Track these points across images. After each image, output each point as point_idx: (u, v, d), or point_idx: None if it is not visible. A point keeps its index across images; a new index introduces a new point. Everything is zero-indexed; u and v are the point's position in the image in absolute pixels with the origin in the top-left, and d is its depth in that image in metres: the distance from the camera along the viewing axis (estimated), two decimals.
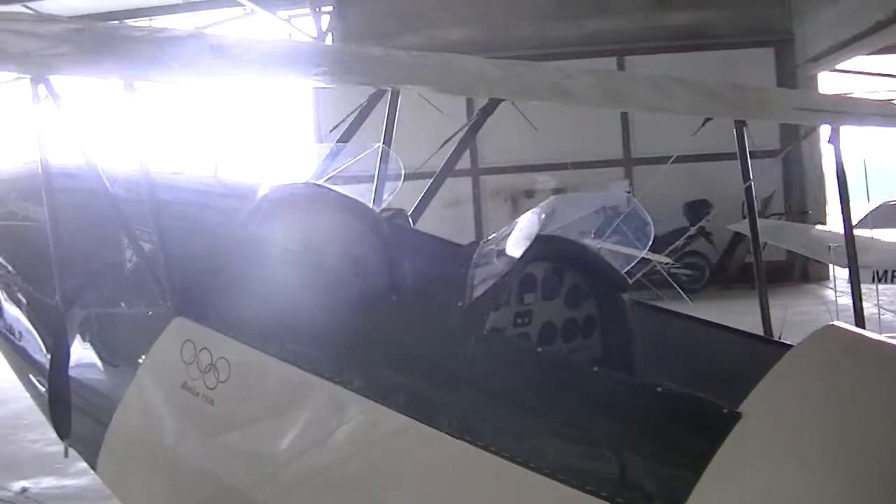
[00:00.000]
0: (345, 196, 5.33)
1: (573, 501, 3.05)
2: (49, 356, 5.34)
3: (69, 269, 5.17)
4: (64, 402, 5.27)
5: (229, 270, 4.81)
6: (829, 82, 25.10)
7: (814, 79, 24.13)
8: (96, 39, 4.05)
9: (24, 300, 5.79)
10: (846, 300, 19.46)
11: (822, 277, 22.27)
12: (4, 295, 5.91)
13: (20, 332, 5.79)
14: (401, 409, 3.64)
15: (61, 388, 5.26)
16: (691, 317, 4.34)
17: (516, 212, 24.40)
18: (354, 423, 3.88)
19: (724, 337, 4.73)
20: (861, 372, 2.94)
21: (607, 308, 4.31)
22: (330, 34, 25.88)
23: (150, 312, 4.79)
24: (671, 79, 5.98)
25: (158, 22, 26.53)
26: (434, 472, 3.60)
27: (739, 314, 17.00)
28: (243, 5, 24.13)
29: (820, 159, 24.02)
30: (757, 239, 6.17)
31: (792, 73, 24.09)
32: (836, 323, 3.31)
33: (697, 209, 21.31)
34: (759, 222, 16.75)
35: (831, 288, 20.79)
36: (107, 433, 5.07)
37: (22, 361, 5.80)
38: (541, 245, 4.13)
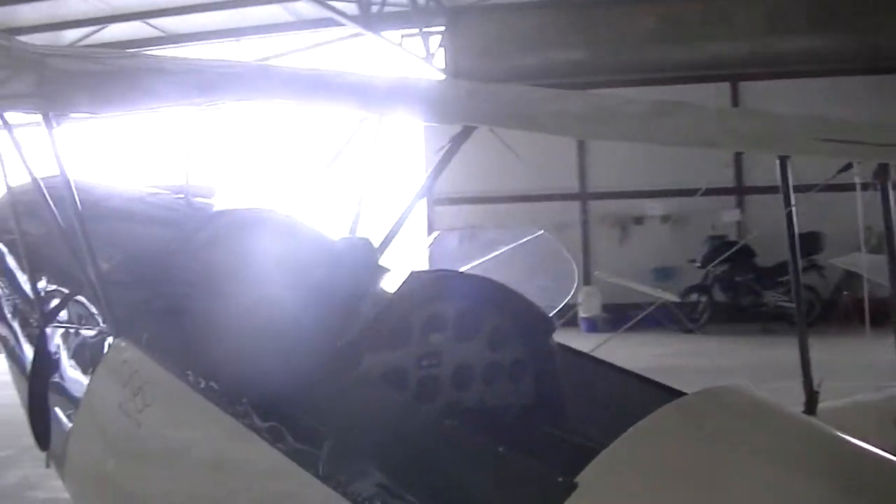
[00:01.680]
0: (297, 223, 5.38)
1: None
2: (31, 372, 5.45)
3: (48, 285, 5.39)
4: (43, 415, 5.32)
5: (165, 292, 4.83)
6: None
7: None
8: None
9: (15, 315, 5.90)
10: None
11: None
12: (9, 309, 6.00)
13: (17, 346, 5.87)
14: (279, 446, 3.65)
15: (39, 401, 5.32)
16: (611, 364, 4.12)
17: (625, 238, 24.18)
18: (242, 459, 3.91)
19: (638, 386, 4.65)
20: (712, 449, 2.91)
21: (535, 351, 4.13)
22: (442, 52, 25.87)
23: (97, 333, 4.91)
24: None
25: (264, 41, 26.96)
26: None
27: (842, 353, 16.64)
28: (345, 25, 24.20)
29: None
30: (798, 276, 5.99)
31: None
32: (717, 386, 3.23)
33: (808, 242, 20.87)
34: (864, 257, 16.24)
35: None
36: (67, 448, 5.18)
37: (18, 374, 5.87)
38: (451, 283, 4.10)
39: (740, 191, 22.20)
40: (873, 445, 4.99)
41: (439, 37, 26.04)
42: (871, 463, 2.89)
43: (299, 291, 4.25)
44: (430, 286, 4.03)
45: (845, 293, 21.79)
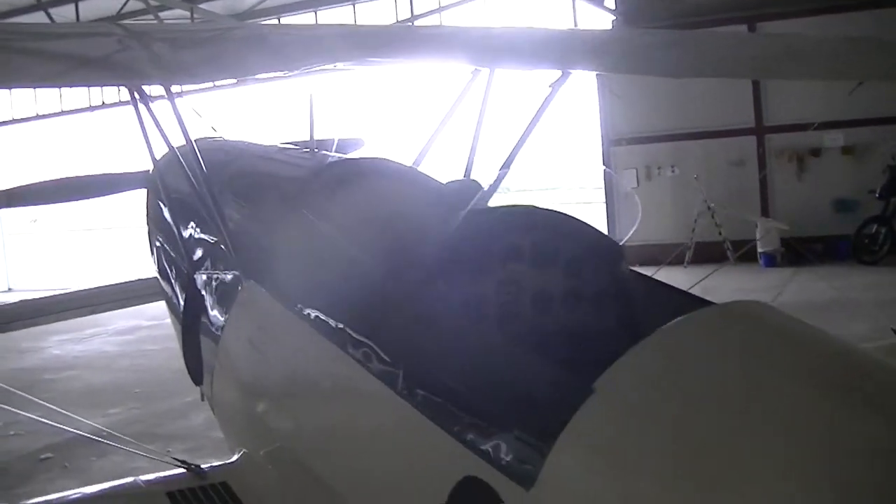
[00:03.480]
0: (405, 168, 5.65)
1: (452, 448, 3.30)
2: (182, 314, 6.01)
3: (196, 238, 5.96)
4: (195, 353, 5.86)
5: (289, 239, 5.19)
6: None
7: None
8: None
9: (170, 265, 6.51)
10: None
11: None
12: (166, 261, 6.62)
13: (173, 295, 6.48)
14: (378, 372, 3.95)
15: (191, 340, 5.87)
16: (684, 291, 4.21)
17: (802, 172, 23.93)
18: (347, 385, 4.26)
19: None
20: (730, 359, 2.98)
21: (607, 278, 4.27)
22: None
23: (232, 277, 5.38)
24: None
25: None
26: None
27: None
28: None
29: None
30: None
31: None
32: (740, 301, 3.32)
33: None
34: None
35: None
36: (212, 382, 5.72)
37: (175, 319, 6.48)
38: (525, 216, 4.28)
39: None
40: None
41: None
42: (885, 380, 2.95)
43: (408, 231, 4.53)
44: (506, 219, 4.28)
45: None
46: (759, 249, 23.02)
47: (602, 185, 26.70)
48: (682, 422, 2.80)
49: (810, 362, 2.97)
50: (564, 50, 4.10)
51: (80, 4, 27.11)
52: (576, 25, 26.66)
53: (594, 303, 3.98)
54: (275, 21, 28.88)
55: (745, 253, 22.51)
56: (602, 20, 26.13)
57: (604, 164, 26.17)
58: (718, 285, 18.72)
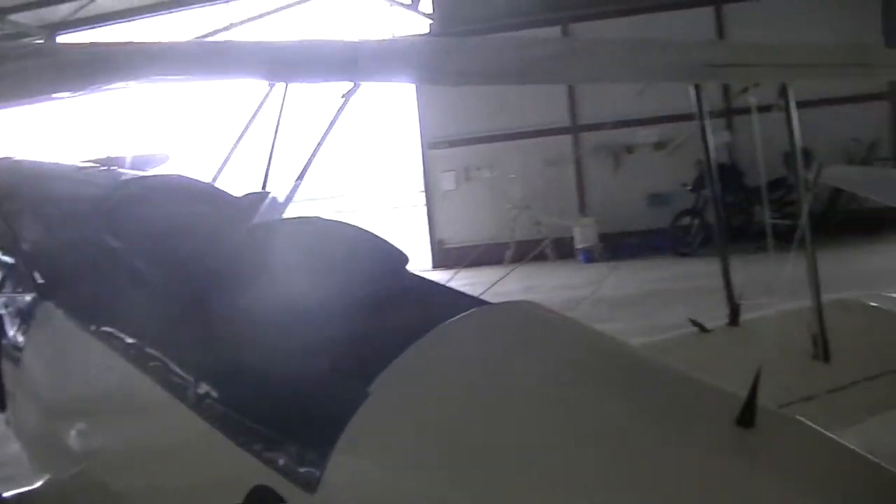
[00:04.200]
0: (200, 184, 5.71)
1: (242, 459, 3.36)
2: None
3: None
4: None
5: (83, 258, 5.15)
6: None
7: None
8: None
9: None
10: None
11: None
12: None
13: None
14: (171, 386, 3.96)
15: None
16: (467, 294, 4.38)
17: (618, 168, 24.49)
18: (142, 400, 4.25)
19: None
20: (500, 359, 3.12)
21: (392, 285, 4.39)
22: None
23: (28, 299, 5.30)
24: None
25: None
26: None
27: (853, 263, 17.01)
28: None
29: None
30: (718, 198, 6.55)
31: None
32: (513, 301, 3.50)
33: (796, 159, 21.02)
34: (850, 169, 16.42)
35: None
36: (13, 407, 5.67)
37: None
38: (303, 227, 4.46)
39: (729, 113, 22.31)
40: (792, 353, 5.43)
41: None
42: (656, 373, 3.11)
43: (199, 246, 4.55)
44: (290, 230, 4.40)
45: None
46: (578, 246, 23.50)
47: (423, 187, 26.83)
48: (452, 419, 2.91)
49: (575, 358, 3.11)
50: (354, 61, 4.13)
51: None
52: (392, 30, 26.82)
53: (376, 309, 4.05)
54: (90, 31, 28.36)
55: (564, 250, 22.94)
56: (418, 25, 26.30)
57: (423, 167, 26.33)
58: (539, 283, 19.04)
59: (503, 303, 3.53)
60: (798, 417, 2.82)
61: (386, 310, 4.01)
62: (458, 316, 3.30)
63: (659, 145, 23.67)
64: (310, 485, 3.04)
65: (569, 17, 24.09)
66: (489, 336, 3.25)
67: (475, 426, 2.85)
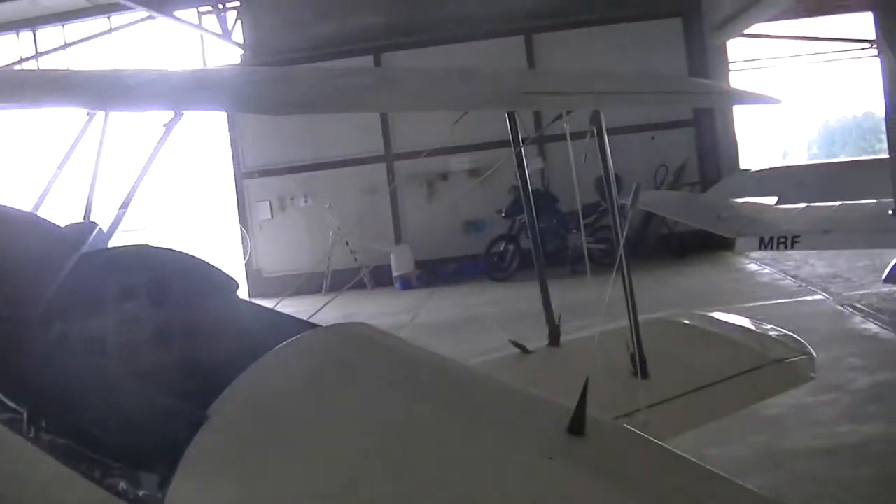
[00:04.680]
0: (20, 213, 5.51)
1: (87, 489, 3.33)
2: None
3: None
4: None
5: None
6: (738, 49, 25.68)
7: (722, 47, 24.55)
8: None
9: None
10: (756, 267, 20.00)
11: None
12: None
13: None
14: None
15: None
16: (298, 318, 4.49)
17: (432, 195, 24.69)
18: None
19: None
20: (333, 379, 3.24)
21: (224, 310, 4.47)
22: (239, 27, 25.80)
23: None
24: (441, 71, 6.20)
25: (69, 29, 26.64)
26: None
27: (660, 285, 17.54)
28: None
29: (733, 127, 24.58)
30: (534, 220, 6.61)
31: (700, 42, 24.38)
32: (345, 323, 3.63)
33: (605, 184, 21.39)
34: (660, 194, 16.85)
35: (747, 257, 21.40)
36: None
37: None
38: (136, 256, 4.47)
39: (542, 140, 22.70)
40: (612, 371, 5.57)
41: (235, 12, 25.94)
42: (488, 388, 3.24)
43: (24, 276, 4.44)
44: (119, 258, 4.39)
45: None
46: (395, 273, 23.61)
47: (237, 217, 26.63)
48: (289, 438, 2.96)
49: (408, 375, 3.22)
50: (176, 90, 4.11)
51: None
52: (204, 60, 26.58)
53: (209, 334, 4.06)
54: None
55: (382, 278, 23.02)
56: (231, 54, 26.13)
57: (237, 196, 26.12)
58: (358, 311, 19.05)
59: (336, 325, 3.59)
60: (624, 425, 2.92)
61: (220, 335, 4.00)
62: (294, 338, 3.33)
63: (473, 172, 23.95)
64: None
65: (381, 46, 24.27)
66: (325, 357, 3.30)
67: (313, 445, 2.90)
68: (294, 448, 2.93)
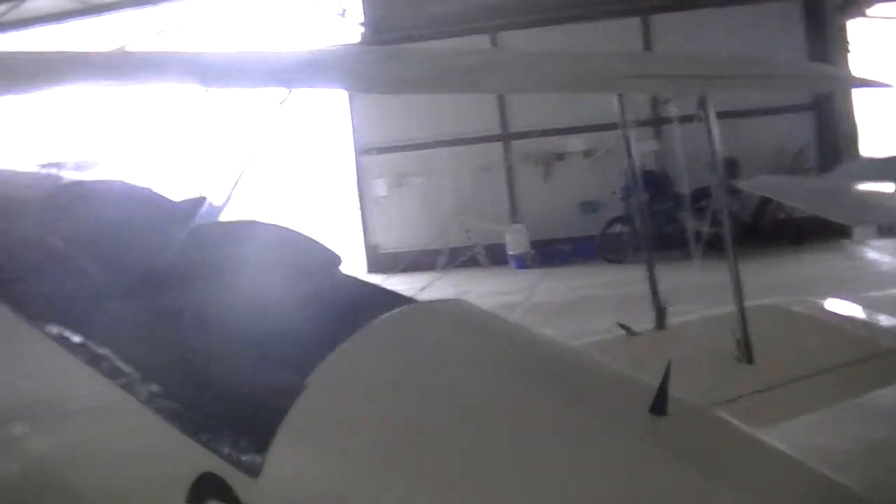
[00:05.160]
0: (139, 188, 5.81)
1: (191, 448, 3.53)
2: None
3: None
4: None
5: (29, 259, 5.26)
6: (861, 31, 25.07)
7: (843, 28, 23.98)
8: None
9: None
10: (876, 255, 19.63)
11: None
12: None
13: None
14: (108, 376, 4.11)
15: None
16: (397, 293, 4.56)
17: (549, 175, 24.69)
18: (77, 393, 4.41)
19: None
20: (428, 354, 3.35)
21: (327, 284, 4.58)
22: (359, 4, 26.00)
23: None
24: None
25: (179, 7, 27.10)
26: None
27: (775, 272, 17.32)
28: None
29: (854, 113, 24.07)
30: (642, 203, 6.60)
31: (820, 25, 23.86)
32: (443, 299, 3.75)
33: (725, 168, 21.08)
34: (777, 179, 16.62)
35: (866, 245, 21.04)
36: None
37: None
38: (241, 230, 4.66)
39: (657, 122, 22.54)
40: (716, 355, 5.59)
41: None
42: (579, 366, 3.32)
43: (139, 247, 4.72)
44: (228, 232, 4.61)
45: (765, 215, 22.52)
46: (510, 252, 23.69)
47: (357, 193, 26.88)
48: (384, 408, 3.12)
49: (503, 352, 3.33)
50: (288, 69, 4.26)
51: None
52: (323, 37, 26.84)
53: (312, 307, 4.19)
54: (21, 32, 28.20)
55: (497, 256, 23.12)
56: (350, 31, 26.35)
57: (357, 173, 26.41)
58: (471, 289, 19.16)
59: (435, 300, 3.76)
60: (709, 408, 2.99)
61: (321, 307, 4.15)
62: (392, 312, 3.47)
63: (588, 153, 23.88)
64: (253, 470, 3.21)
65: (498, 25, 24.29)
66: (421, 331, 3.43)
67: (406, 416, 3.05)
68: (385, 420, 3.07)
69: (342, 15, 26.12)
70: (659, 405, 2.78)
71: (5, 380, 5.15)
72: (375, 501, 2.93)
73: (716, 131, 5.67)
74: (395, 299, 4.26)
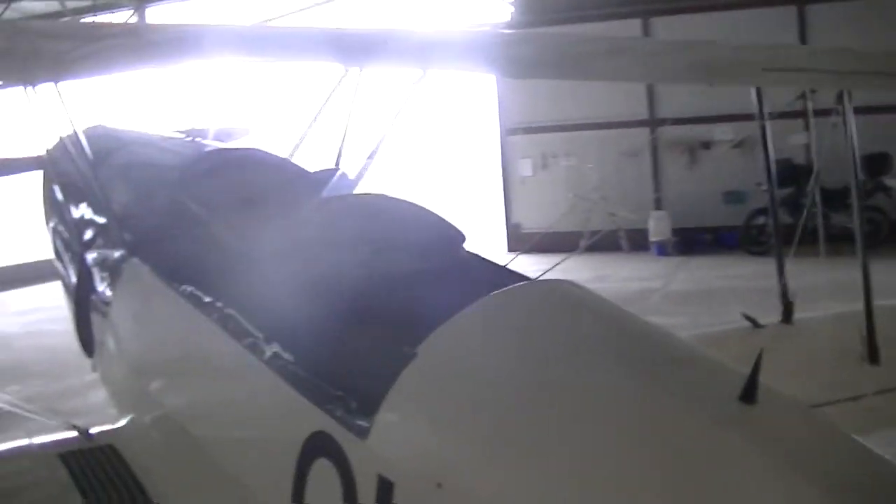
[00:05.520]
0: (276, 158, 6.05)
1: (306, 408, 3.71)
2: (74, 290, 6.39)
3: (86, 219, 6.33)
4: (86, 327, 6.27)
5: (168, 221, 5.60)
6: None
7: None
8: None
9: (66, 246, 6.86)
10: None
11: None
12: (60, 242, 6.98)
13: (66, 273, 6.84)
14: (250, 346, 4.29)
15: (82, 315, 6.29)
16: (516, 272, 4.61)
17: (694, 162, 24.53)
18: (222, 358, 4.61)
19: None
20: (539, 333, 3.41)
21: (448, 260, 4.63)
22: None
23: (119, 255, 5.73)
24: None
25: None
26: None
27: None
28: None
29: None
30: (774, 197, 6.93)
31: None
32: (554, 279, 3.79)
33: (876, 163, 20.82)
34: None
35: None
36: (100, 354, 6.19)
37: (68, 297, 6.83)
38: (373, 203, 4.76)
39: (807, 114, 22.13)
40: (841, 353, 5.55)
41: None
42: (674, 352, 3.37)
43: (273, 215, 4.88)
44: (355, 204, 4.76)
45: None
46: (651, 239, 23.64)
47: (500, 172, 27.03)
48: (490, 381, 3.23)
49: (603, 335, 3.43)
50: (424, 50, 4.39)
51: None
52: (474, 16, 27.04)
53: (430, 280, 4.31)
54: (179, 3, 28.98)
55: (638, 241, 23.08)
56: (501, 10, 26.51)
57: (501, 153, 26.56)
58: (610, 273, 19.21)
59: (545, 280, 3.93)
60: (799, 400, 3.05)
61: (439, 281, 4.30)
62: (503, 289, 3.59)
63: (735, 142, 23.63)
64: (361, 433, 3.37)
65: (649, 10, 24.16)
66: (530, 309, 3.54)
67: (511, 390, 3.16)
68: (492, 391, 3.19)
69: None
70: (749, 393, 2.82)
71: (143, 335, 5.48)
72: (474, 471, 3.04)
73: (853, 126, 5.65)
74: (513, 278, 4.34)
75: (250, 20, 26.06)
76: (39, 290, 13.22)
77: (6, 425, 10.11)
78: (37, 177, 7.56)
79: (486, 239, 23.07)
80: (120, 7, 28.82)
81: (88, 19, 28.84)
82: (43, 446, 5.02)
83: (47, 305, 18.65)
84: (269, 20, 27.01)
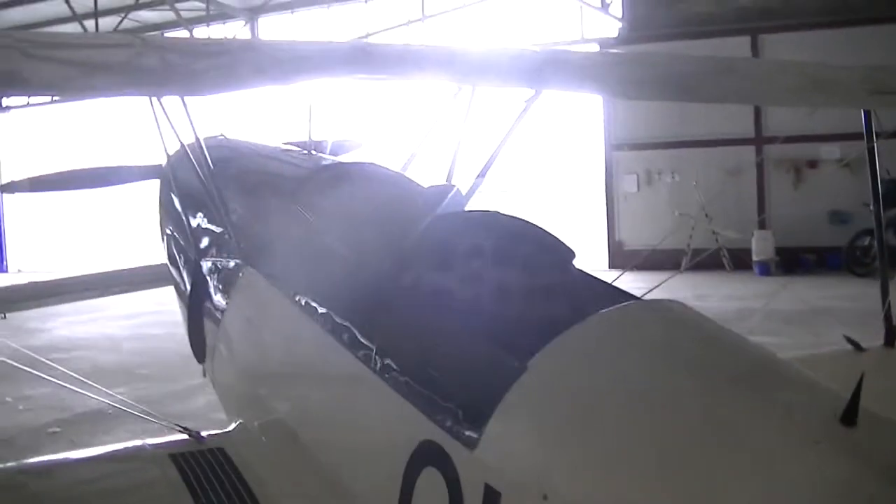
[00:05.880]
0: (391, 172, 6.18)
1: (415, 417, 3.82)
2: (188, 296, 6.58)
3: (202, 227, 6.56)
4: (198, 333, 6.43)
5: (284, 231, 5.76)
6: None
7: None
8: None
9: (181, 252, 7.06)
10: None
11: None
12: (175, 248, 7.20)
13: (181, 280, 7.04)
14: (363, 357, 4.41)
15: (195, 321, 6.44)
16: (625, 291, 4.64)
17: (799, 181, 24.33)
18: (331, 366, 4.77)
19: None
20: (648, 353, 3.47)
21: (557, 277, 4.67)
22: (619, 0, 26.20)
23: (234, 264, 5.93)
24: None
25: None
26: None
27: None
28: None
29: None
30: (881, 222, 6.64)
31: None
32: (663, 299, 3.83)
33: None
34: None
35: None
36: (213, 359, 6.33)
37: (182, 303, 7.03)
38: (487, 218, 4.79)
39: None
40: None
41: None
42: (777, 372, 3.40)
43: (386, 229, 5.01)
44: (468, 221, 4.82)
45: None
46: (754, 258, 23.49)
47: (604, 188, 27.05)
48: (598, 397, 3.33)
49: (708, 355, 3.48)
50: (536, 69, 4.48)
51: None
52: (582, 32, 27.12)
53: (541, 297, 4.42)
54: (289, 14, 29.49)
55: (740, 261, 22.95)
56: (608, 27, 26.56)
57: (606, 168, 26.58)
58: (711, 292, 19.13)
59: (653, 300, 3.93)
60: None
61: (549, 298, 4.41)
62: (612, 307, 3.69)
63: (842, 162, 23.40)
64: (470, 443, 3.47)
65: (757, 28, 24.07)
66: (637, 328, 3.63)
67: (618, 407, 3.25)
68: (599, 407, 3.28)
69: (603, 10, 26.34)
70: (849, 415, 2.87)
71: (256, 342, 5.68)
72: (579, 484, 3.13)
73: None
74: (622, 297, 4.43)
75: (351, 34, 26.47)
76: (141, 295, 13.47)
77: (112, 426, 10.47)
78: (152, 184, 7.82)
79: (589, 255, 23.09)
80: (233, 18, 29.50)
81: (202, 29, 29.59)
82: (156, 447, 5.15)
83: (152, 309, 19.14)
84: (369, 35, 27.40)
